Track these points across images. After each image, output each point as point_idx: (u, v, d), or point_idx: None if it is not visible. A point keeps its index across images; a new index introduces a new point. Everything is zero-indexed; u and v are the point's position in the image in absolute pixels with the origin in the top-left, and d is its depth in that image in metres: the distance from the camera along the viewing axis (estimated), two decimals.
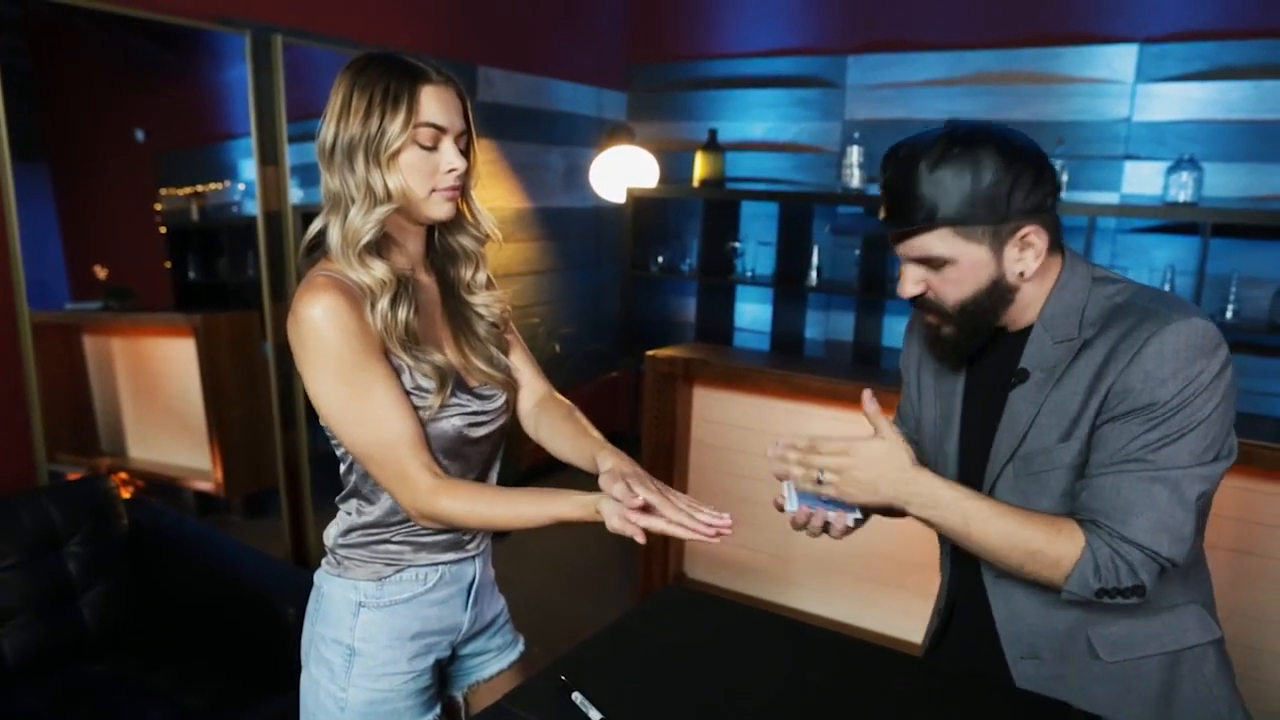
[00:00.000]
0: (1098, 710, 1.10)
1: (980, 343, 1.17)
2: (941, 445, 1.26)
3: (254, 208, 2.84)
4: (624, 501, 1.01)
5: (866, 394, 1.14)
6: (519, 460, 3.55)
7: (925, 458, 1.29)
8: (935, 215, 1.07)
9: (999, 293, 1.11)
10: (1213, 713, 1.14)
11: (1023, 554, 1.07)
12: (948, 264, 1.09)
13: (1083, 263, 1.15)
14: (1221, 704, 1.15)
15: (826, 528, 1.18)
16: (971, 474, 1.21)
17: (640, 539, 1.01)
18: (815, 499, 1.17)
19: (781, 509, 1.21)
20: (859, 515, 1.18)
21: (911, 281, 1.14)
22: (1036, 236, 1.08)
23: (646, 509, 1.02)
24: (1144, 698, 1.13)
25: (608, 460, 1.12)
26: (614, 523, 1.02)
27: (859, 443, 1.11)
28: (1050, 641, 1.16)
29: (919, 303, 1.16)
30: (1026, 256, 1.09)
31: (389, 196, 1.13)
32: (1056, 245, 1.13)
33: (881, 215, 1.15)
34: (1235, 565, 2.23)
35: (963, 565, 1.25)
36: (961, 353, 1.19)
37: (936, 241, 1.09)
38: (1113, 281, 1.14)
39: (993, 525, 1.08)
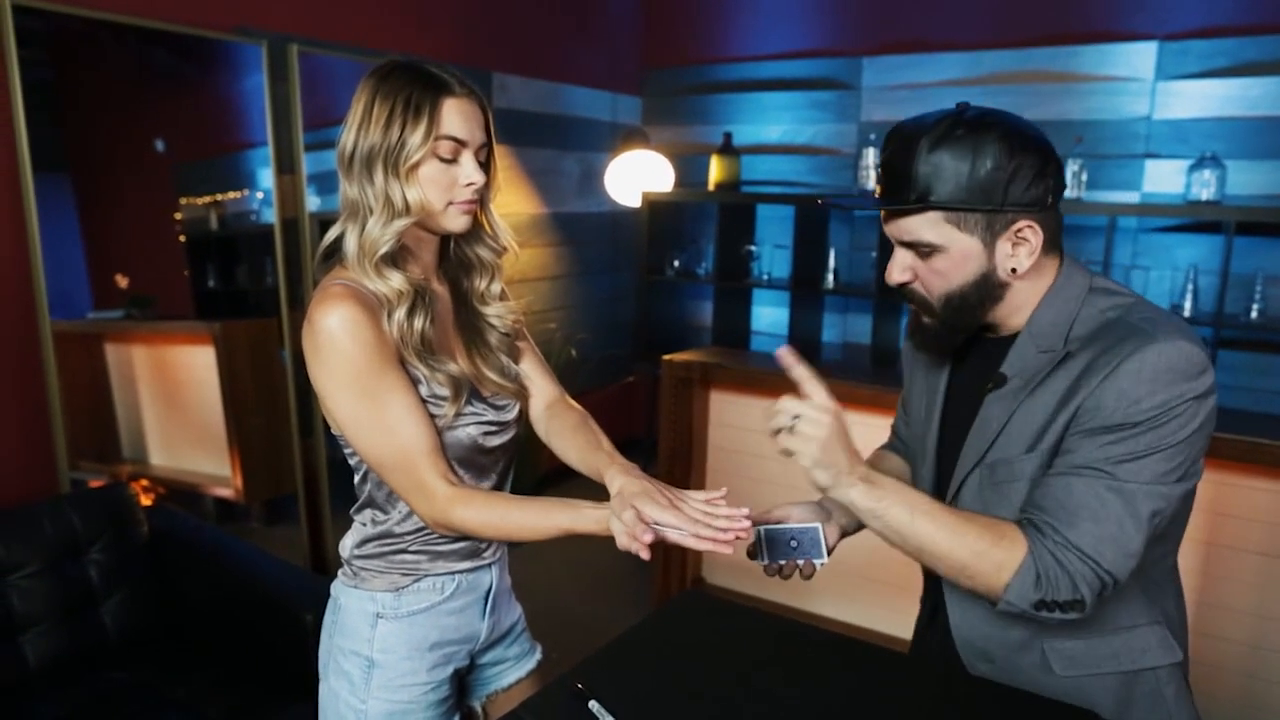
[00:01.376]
0: None
1: (961, 339, 1.14)
2: (924, 443, 1.24)
3: (272, 216, 2.86)
4: (631, 529, 1.00)
5: (781, 350, 1.08)
6: (536, 465, 3.55)
7: (913, 453, 1.28)
8: (928, 197, 1.02)
9: (987, 288, 1.07)
10: None
11: (967, 554, 1.01)
12: (936, 252, 1.05)
13: (1081, 271, 1.10)
14: None
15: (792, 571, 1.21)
16: (945, 475, 1.19)
17: (646, 556, 1.00)
18: (788, 548, 1.19)
19: (753, 557, 1.22)
20: (824, 560, 1.21)
21: (899, 268, 1.10)
22: (1032, 233, 1.04)
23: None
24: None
25: (615, 480, 1.10)
26: (622, 541, 1.01)
27: (829, 403, 1.05)
28: (1004, 650, 1.13)
29: (904, 292, 1.13)
30: (1020, 253, 1.05)
31: (408, 209, 1.12)
32: (1055, 247, 1.08)
33: (878, 191, 1.10)
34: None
35: (936, 579, 1.24)
36: (942, 346, 1.15)
37: (927, 226, 1.04)
38: (1111, 294, 1.08)
39: (938, 519, 1.02)
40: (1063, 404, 1.03)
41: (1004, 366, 1.10)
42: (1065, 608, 0.99)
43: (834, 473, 1.03)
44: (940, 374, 1.22)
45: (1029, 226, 1.04)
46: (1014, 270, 1.06)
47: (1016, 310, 1.10)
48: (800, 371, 1.06)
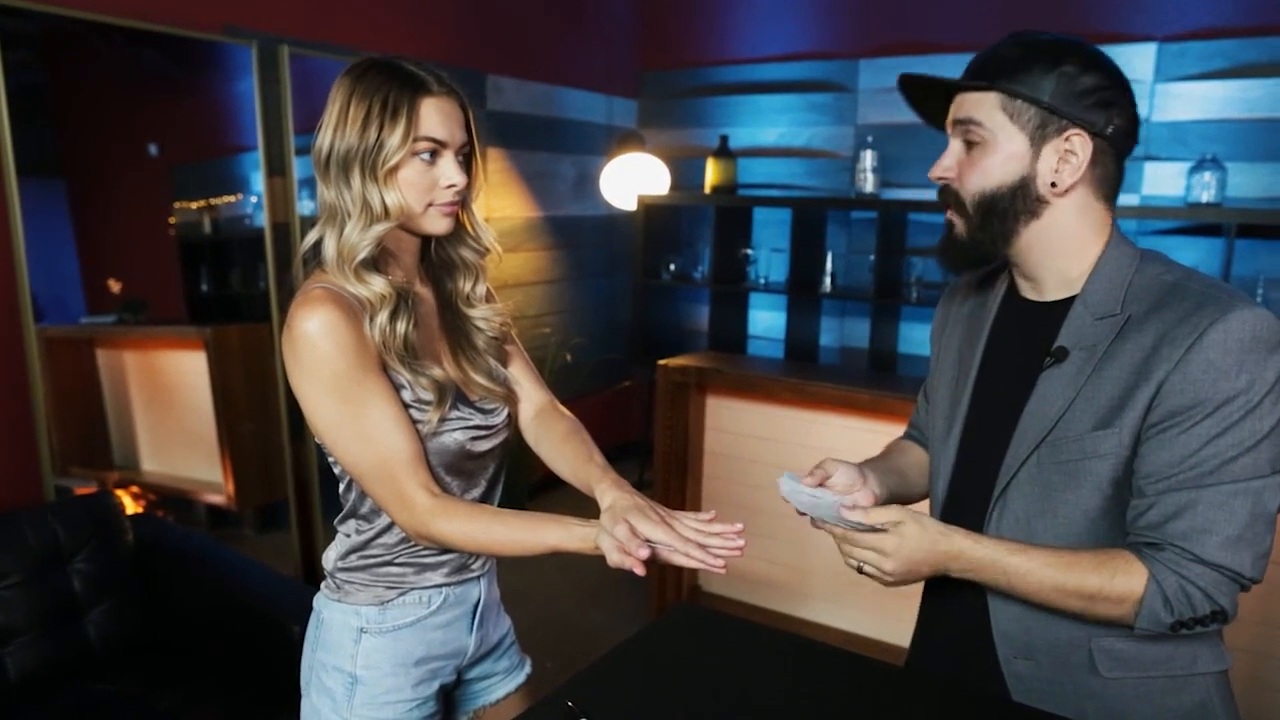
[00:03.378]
0: None
1: (991, 254, 1.08)
2: (949, 422, 1.18)
3: (264, 219, 2.83)
4: (626, 545, 0.97)
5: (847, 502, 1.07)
6: (530, 471, 3.52)
7: (934, 435, 1.23)
8: (997, 77, 1.01)
9: (1023, 198, 1.03)
10: None
11: (1080, 600, 0.98)
12: (982, 143, 1.03)
13: (1128, 241, 1.07)
14: None
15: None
16: (978, 454, 1.14)
17: (640, 571, 0.97)
18: (808, 507, 1.10)
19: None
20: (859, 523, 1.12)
21: (945, 161, 1.07)
22: (1080, 144, 1.00)
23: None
24: None
25: (607, 495, 1.07)
26: (614, 558, 0.98)
27: (885, 537, 1.03)
28: (1049, 647, 1.08)
29: (941, 194, 1.10)
30: (1065, 166, 1.01)
31: (386, 214, 1.09)
32: (1107, 198, 1.05)
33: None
34: None
35: None
36: (970, 256, 1.10)
37: (983, 107, 1.02)
38: (1159, 260, 1.05)
39: (1036, 577, 0.99)
40: (1141, 377, 0.98)
41: (1061, 339, 1.05)
42: (1206, 621, 0.96)
43: (920, 579, 1.05)
44: (974, 348, 1.17)
45: (1078, 135, 1.00)
46: (1054, 185, 1.02)
47: (1056, 252, 1.06)
48: (879, 513, 1.04)
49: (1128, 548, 1.01)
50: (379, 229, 1.10)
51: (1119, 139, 1.02)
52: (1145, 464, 0.99)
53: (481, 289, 1.26)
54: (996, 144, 1.03)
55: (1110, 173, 1.04)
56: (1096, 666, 1.05)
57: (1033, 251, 1.07)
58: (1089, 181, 1.03)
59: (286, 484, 2.95)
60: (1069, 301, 1.07)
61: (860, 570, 1.06)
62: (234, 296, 2.97)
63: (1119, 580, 0.97)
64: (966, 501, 1.15)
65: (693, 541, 0.98)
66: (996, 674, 1.12)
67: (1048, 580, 0.99)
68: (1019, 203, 1.03)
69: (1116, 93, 1.01)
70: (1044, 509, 1.06)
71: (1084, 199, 1.04)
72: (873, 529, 1.03)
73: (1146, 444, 0.98)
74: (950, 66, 1.14)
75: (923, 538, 1.02)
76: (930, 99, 1.11)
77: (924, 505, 1.23)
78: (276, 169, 2.84)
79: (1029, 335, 1.10)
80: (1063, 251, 1.06)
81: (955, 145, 1.07)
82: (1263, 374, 0.93)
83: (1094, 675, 1.06)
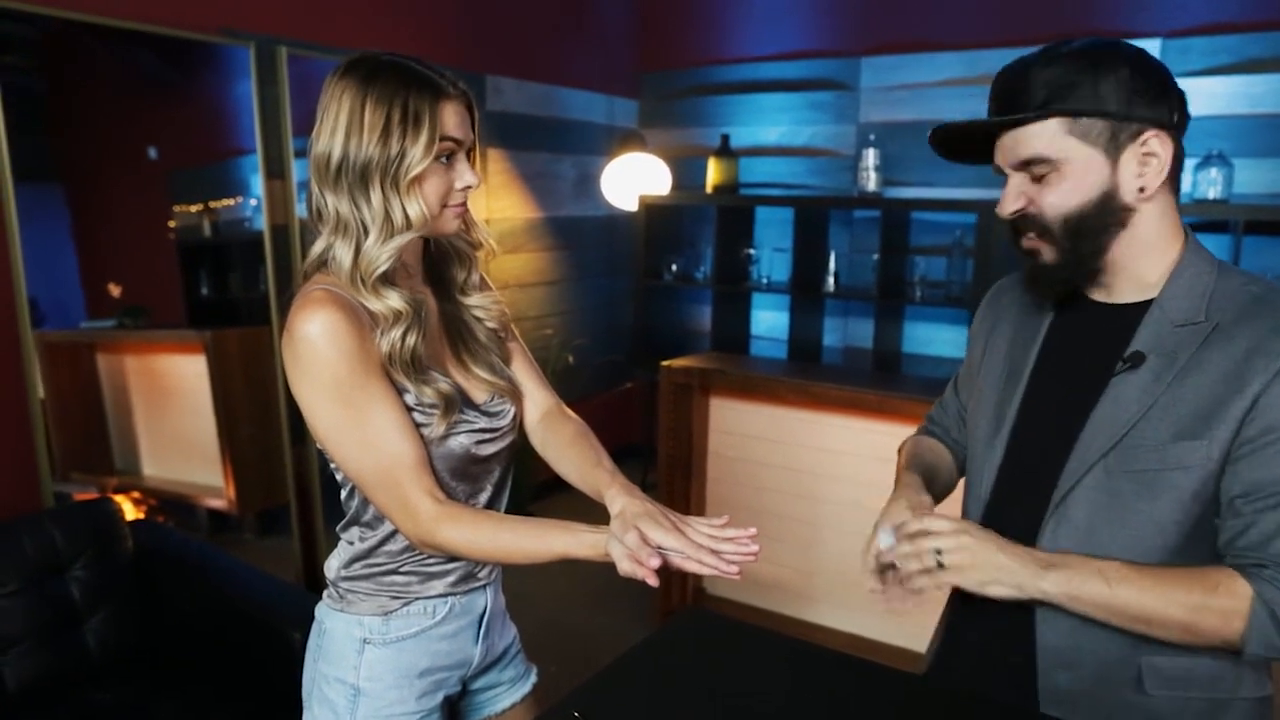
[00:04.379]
0: None
1: (1085, 274, 1.04)
2: (997, 424, 1.12)
3: (263, 223, 2.82)
4: (637, 553, 0.94)
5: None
6: (534, 473, 3.50)
7: (977, 435, 1.16)
8: (1049, 103, 0.95)
9: (1111, 210, 0.98)
10: None
11: (1185, 610, 0.93)
12: (1054, 168, 0.98)
13: (1204, 247, 1.03)
14: None
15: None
16: (1031, 458, 1.09)
17: (653, 581, 0.94)
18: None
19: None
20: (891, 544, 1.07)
21: (1012, 196, 1.01)
22: (1160, 144, 0.96)
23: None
24: None
25: (617, 502, 1.04)
26: (624, 566, 0.95)
27: (966, 522, 1.00)
28: (1095, 661, 1.05)
29: (1018, 222, 1.04)
30: (1148, 170, 0.97)
31: (408, 224, 1.06)
32: (1177, 190, 1.01)
33: (988, 115, 1.03)
34: None
35: None
36: (1063, 282, 1.05)
37: (1045, 138, 0.97)
38: (1239, 270, 1.02)
39: (1139, 582, 0.94)
40: (1232, 390, 0.94)
41: (1137, 344, 1.00)
42: None
43: (1010, 581, 0.97)
44: (1029, 349, 1.13)
45: (1156, 137, 0.96)
46: (1142, 190, 0.98)
47: (1139, 255, 1.02)
48: (898, 520, 1.02)
49: (1231, 567, 0.97)
50: (400, 240, 1.06)
51: (1182, 124, 0.99)
52: (1240, 481, 0.95)
53: (476, 277, 1.24)
54: (1070, 167, 0.98)
55: (1180, 162, 1.01)
56: (1143, 683, 1.02)
57: (1119, 261, 1.03)
58: (1169, 178, 1.00)
59: (288, 489, 2.93)
60: (1141, 305, 1.03)
61: (939, 565, 0.98)
62: (234, 300, 2.96)
63: (1222, 594, 0.93)
64: (1015, 507, 1.10)
65: (705, 548, 0.96)
66: (1023, 683, 1.08)
67: (1149, 585, 0.94)
68: (1108, 216, 0.99)
69: (1163, 78, 0.97)
70: (1111, 518, 1.01)
71: (1166, 197, 1.01)
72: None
73: (1241, 460, 0.95)
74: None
75: (999, 538, 0.98)
76: (965, 142, 1.06)
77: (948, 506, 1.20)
78: (275, 171, 2.82)
79: (1096, 338, 1.06)
80: (1145, 255, 1.02)
81: (1017, 180, 1.02)
82: None
83: (1138, 692, 1.03)
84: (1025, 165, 1.00)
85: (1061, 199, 0.99)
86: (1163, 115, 0.96)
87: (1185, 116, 1.00)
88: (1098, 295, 1.08)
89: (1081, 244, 1.01)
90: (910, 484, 1.18)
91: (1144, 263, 1.03)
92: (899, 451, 1.38)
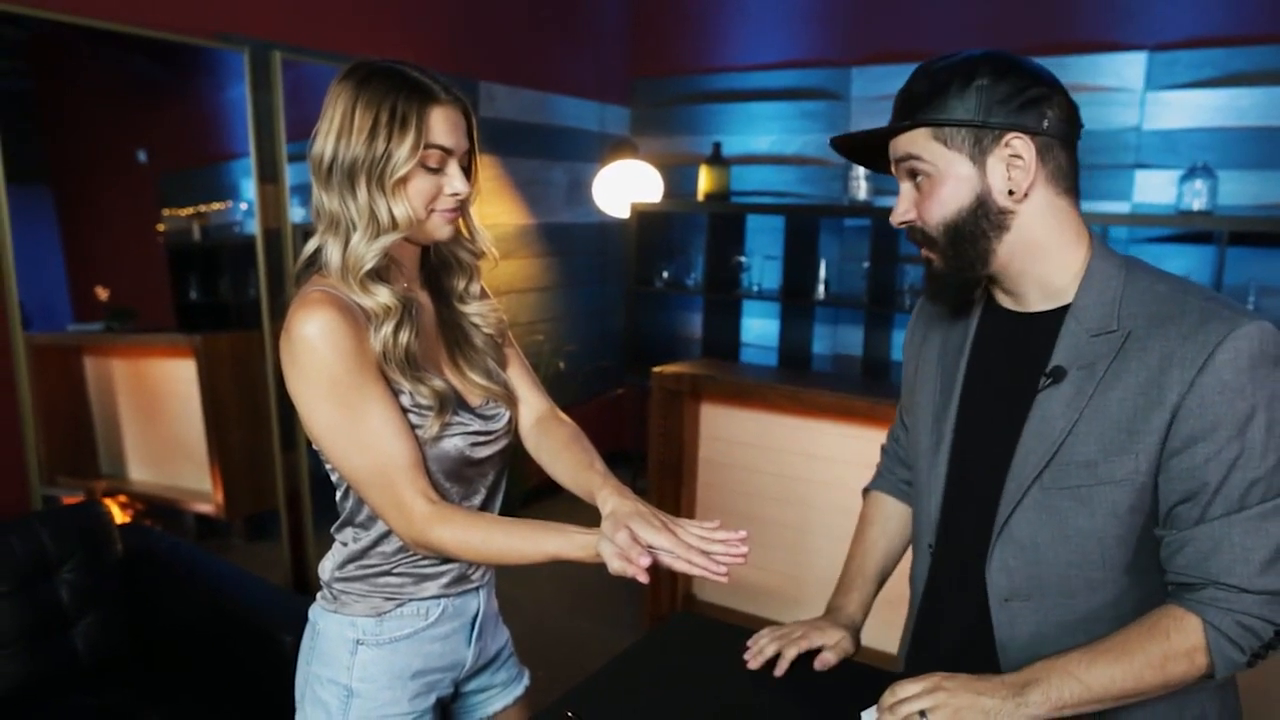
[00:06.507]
0: None
1: (975, 278, 1.07)
2: (938, 439, 1.15)
3: (255, 227, 2.81)
4: (627, 551, 0.95)
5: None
6: (525, 479, 3.50)
7: (920, 450, 1.18)
8: (916, 113, 1.00)
9: (986, 214, 1.01)
10: None
11: (1154, 671, 0.95)
12: (929, 176, 1.02)
13: (1110, 249, 1.05)
14: None
15: None
16: (972, 475, 1.11)
17: (643, 579, 0.95)
18: None
19: None
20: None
21: (902, 205, 1.06)
22: (1023, 146, 0.98)
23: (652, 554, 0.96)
24: None
25: (609, 502, 1.05)
26: (615, 565, 0.96)
27: (942, 674, 1.00)
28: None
29: (910, 234, 1.08)
30: (1015, 172, 0.99)
31: (394, 224, 1.07)
32: (1069, 190, 1.02)
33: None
34: None
35: (953, 588, 1.15)
36: (957, 289, 1.08)
37: (913, 141, 1.02)
38: (1146, 269, 1.03)
39: (1102, 664, 0.95)
40: (1152, 400, 0.95)
41: (1056, 359, 1.02)
42: (1274, 644, 0.95)
43: (998, 718, 0.96)
44: (957, 361, 1.14)
45: (1018, 138, 0.98)
46: (1012, 193, 1.00)
47: (1035, 259, 1.03)
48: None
49: (1169, 599, 0.99)
50: (386, 240, 1.08)
51: (1059, 129, 1.00)
52: (1172, 492, 0.97)
53: (476, 286, 1.25)
54: (941, 173, 1.02)
55: (1063, 164, 1.02)
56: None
57: (1012, 264, 1.04)
58: (1044, 179, 1.01)
59: (277, 494, 2.92)
60: (1054, 313, 1.05)
61: None
62: (224, 304, 2.95)
63: (1175, 638, 0.95)
64: (963, 525, 1.12)
65: (695, 548, 0.97)
66: None
67: (1114, 665, 0.95)
68: (984, 220, 1.02)
69: (1041, 88, 1.00)
70: (1054, 536, 1.02)
71: (1046, 197, 1.02)
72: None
73: (1170, 471, 0.96)
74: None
75: (971, 678, 0.98)
76: (870, 151, 1.10)
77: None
78: (269, 175, 2.83)
79: (1015, 349, 1.08)
80: (1043, 258, 1.04)
81: (906, 187, 1.06)
82: (1274, 389, 0.93)
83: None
84: (905, 167, 1.04)
85: (938, 206, 1.02)
86: (1028, 121, 0.99)
87: (1072, 124, 1.02)
88: (1010, 304, 1.10)
89: (964, 249, 1.03)
90: (867, 578, 1.30)
91: (1045, 267, 1.04)
92: (864, 496, 1.40)
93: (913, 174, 1.04)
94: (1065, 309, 1.04)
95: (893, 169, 1.07)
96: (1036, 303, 1.06)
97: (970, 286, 1.09)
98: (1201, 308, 0.96)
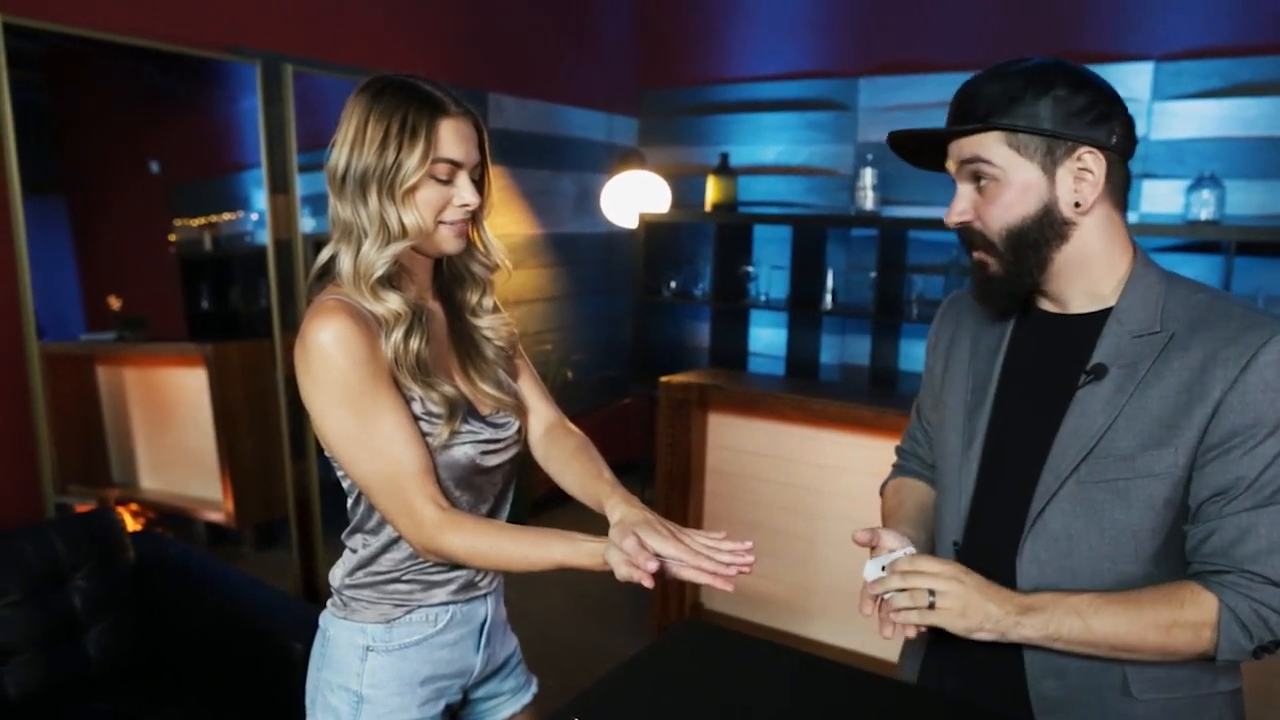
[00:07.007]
0: None
1: (1029, 286, 1.08)
2: (967, 443, 1.15)
3: (266, 237, 2.84)
4: (634, 558, 0.96)
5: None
6: (532, 488, 3.51)
7: (948, 450, 1.18)
8: (990, 116, 1.01)
9: (1051, 223, 1.02)
10: None
11: (1159, 631, 0.98)
12: (996, 181, 1.03)
13: (1150, 259, 1.08)
14: None
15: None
16: (1006, 472, 1.12)
17: (649, 584, 0.96)
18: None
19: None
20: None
21: (959, 206, 1.06)
22: (1094, 160, 1.00)
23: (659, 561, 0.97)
24: None
25: (616, 510, 1.07)
26: (622, 571, 0.97)
27: (953, 564, 1.03)
28: (1081, 667, 1.07)
29: (964, 236, 1.09)
30: (1083, 185, 1.01)
31: (404, 233, 1.10)
32: (1122, 205, 1.05)
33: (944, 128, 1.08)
34: None
35: None
36: (1011, 295, 1.09)
37: (984, 144, 1.02)
38: (1186, 280, 1.06)
39: (1110, 611, 0.98)
40: (1194, 397, 0.98)
41: (1098, 356, 1.04)
42: None
43: (995, 628, 1.01)
44: (991, 362, 1.15)
45: (1090, 153, 1.00)
46: (1078, 205, 1.02)
47: (1086, 267, 1.05)
48: (890, 540, 1.08)
49: (1190, 578, 1.01)
50: (396, 248, 1.10)
51: (1124, 146, 1.03)
52: (1205, 487, 0.99)
53: (489, 300, 1.27)
54: (1009, 179, 1.02)
55: (1123, 180, 1.05)
56: (1130, 688, 1.05)
57: (1064, 272, 1.06)
58: (1108, 194, 1.03)
59: (287, 502, 2.94)
60: (1097, 315, 1.07)
61: (930, 606, 1.01)
62: (235, 313, 2.97)
63: (1189, 609, 0.98)
64: (994, 520, 1.12)
65: (703, 555, 0.98)
66: (1017, 692, 1.10)
67: (1121, 615, 0.98)
68: (1047, 230, 1.03)
69: (1110, 103, 1.02)
70: (1088, 527, 1.04)
71: (1105, 210, 1.04)
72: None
73: (1206, 466, 0.99)
74: (950, 86, 1.14)
75: (985, 582, 1.02)
76: (924, 150, 1.11)
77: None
78: (280, 186, 2.85)
79: (1056, 350, 1.10)
80: (1093, 268, 1.06)
81: (965, 188, 1.07)
82: None
83: (1125, 697, 1.05)
84: (969, 169, 1.05)
85: (1003, 211, 1.04)
86: (1099, 136, 1.01)
87: (1131, 140, 1.04)
88: (1051, 307, 1.12)
89: (1024, 256, 1.05)
90: (903, 520, 1.23)
91: (1093, 275, 1.06)
92: (881, 493, 1.40)
93: (976, 176, 1.05)
94: (1106, 311, 1.06)
95: (951, 168, 1.08)
96: (1079, 306, 1.09)
97: (1022, 293, 1.10)
98: (1244, 314, 1.00)
